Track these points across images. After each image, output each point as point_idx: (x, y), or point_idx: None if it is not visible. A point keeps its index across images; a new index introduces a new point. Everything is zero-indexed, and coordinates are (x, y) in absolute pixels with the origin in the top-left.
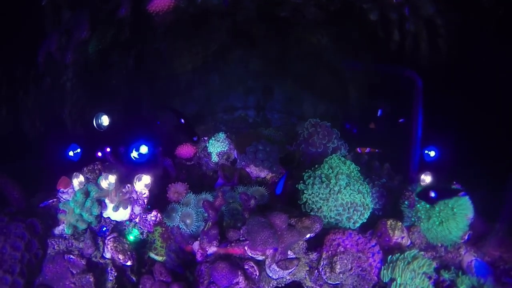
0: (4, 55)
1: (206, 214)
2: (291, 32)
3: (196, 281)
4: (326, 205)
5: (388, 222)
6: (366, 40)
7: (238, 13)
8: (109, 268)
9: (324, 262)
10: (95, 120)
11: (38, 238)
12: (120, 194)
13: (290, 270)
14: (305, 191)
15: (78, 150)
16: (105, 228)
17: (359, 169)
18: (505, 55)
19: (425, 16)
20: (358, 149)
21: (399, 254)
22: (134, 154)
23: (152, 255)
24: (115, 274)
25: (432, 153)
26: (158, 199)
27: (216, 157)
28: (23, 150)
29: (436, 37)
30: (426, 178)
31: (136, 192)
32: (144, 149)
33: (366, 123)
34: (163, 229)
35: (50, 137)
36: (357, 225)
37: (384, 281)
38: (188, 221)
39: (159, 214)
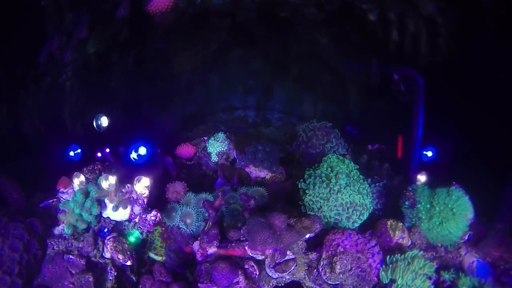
0: (4, 54)
1: (206, 214)
2: (291, 32)
3: (196, 281)
4: (327, 204)
5: (389, 223)
6: (366, 40)
7: (238, 13)
8: (108, 268)
9: (324, 262)
10: (95, 121)
11: (37, 239)
12: (120, 194)
13: (289, 271)
14: (306, 191)
15: (79, 150)
16: (106, 229)
17: (357, 167)
18: (505, 54)
19: (425, 15)
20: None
21: (399, 254)
22: (133, 155)
23: (152, 255)
24: (115, 274)
25: (429, 154)
26: (157, 199)
27: (216, 157)
28: (23, 150)
29: (437, 36)
30: (422, 178)
31: (136, 192)
32: (143, 150)
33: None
34: (163, 229)
35: (50, 137)
36: (356, 225)
37: (384, 282)
38: (188, 221)
39: (158, 214)
